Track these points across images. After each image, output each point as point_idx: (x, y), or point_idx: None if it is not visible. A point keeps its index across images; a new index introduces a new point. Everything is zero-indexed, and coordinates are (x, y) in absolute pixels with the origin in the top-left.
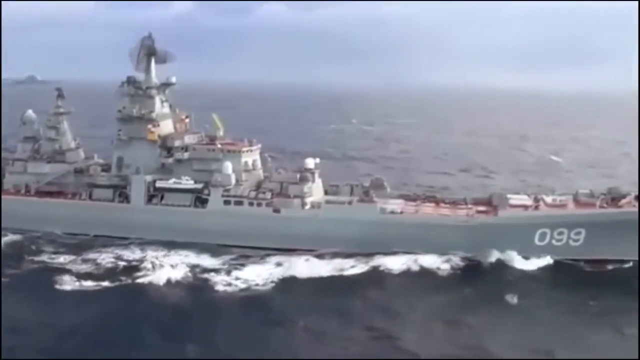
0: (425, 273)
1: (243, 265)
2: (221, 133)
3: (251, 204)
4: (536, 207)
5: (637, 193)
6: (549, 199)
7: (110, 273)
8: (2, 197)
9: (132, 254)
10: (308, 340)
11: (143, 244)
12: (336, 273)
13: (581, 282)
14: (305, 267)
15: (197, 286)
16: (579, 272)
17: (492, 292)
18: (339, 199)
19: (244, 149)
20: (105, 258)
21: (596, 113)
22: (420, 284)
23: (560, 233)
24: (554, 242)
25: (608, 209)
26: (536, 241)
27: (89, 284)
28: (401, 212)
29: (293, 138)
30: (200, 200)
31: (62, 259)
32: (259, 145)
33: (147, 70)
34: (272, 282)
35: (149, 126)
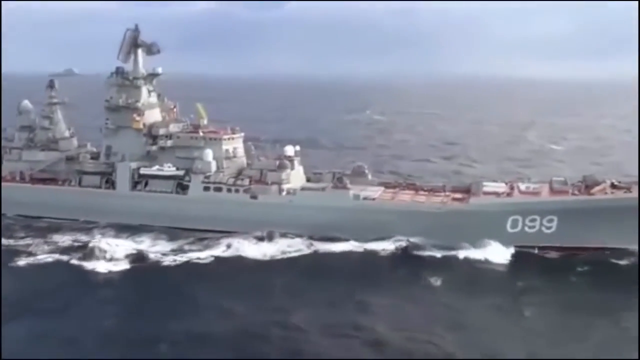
0: (365, 255)
1: (195, 248)
2: (205, 122)
3: (229, 190)
4: (509, 194)
5: (612, 181)
6: (523, 186)
7: (63, 253)
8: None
9: (90, 238)
10: (211, 315)
11: (105, 227)
12: (279, 255)
13: (523, 268)
14: (253, 248)
15: (138, 266)
16: (530, 259)
17: (418, 274)
18: (314, 185)
19: (225, 136)
20: (66, 241)
21: (614, 101)
22: (352, 266)
23: (533, 220)
24: (526, 229)
25: (579, 196)
26: (508, 228)
27: (39, 262)
28: (374, 199)
29: (295, 128)
30: (181, 186)
31: (27, 241)
32: (242, 134)
33: (135, 61)
34: (212, 261)
35: (134, 115)
